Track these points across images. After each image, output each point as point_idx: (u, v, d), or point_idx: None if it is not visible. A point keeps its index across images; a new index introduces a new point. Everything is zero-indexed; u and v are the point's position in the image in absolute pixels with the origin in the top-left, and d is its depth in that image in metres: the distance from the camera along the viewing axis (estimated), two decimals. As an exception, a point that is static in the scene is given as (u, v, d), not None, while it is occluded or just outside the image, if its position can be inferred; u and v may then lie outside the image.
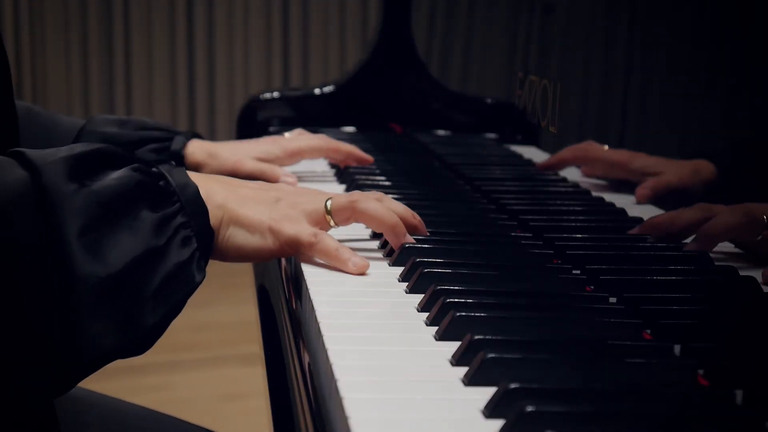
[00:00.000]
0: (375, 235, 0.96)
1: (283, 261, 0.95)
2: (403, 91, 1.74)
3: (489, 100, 1.51)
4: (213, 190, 0.81)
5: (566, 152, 1.16)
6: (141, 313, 0.71)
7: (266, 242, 0.82)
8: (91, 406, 1.03)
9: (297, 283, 0.86)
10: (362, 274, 0.83)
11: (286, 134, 1.33)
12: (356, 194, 0.88)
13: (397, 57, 1.74)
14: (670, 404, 0.55)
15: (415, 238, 0.89)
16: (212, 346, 2.96)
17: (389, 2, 1.75)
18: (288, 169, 1.28)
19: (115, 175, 0.73)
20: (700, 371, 0.60)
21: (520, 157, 1.31)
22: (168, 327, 0.74)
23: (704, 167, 0.90)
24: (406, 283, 0.80)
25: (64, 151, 0.72)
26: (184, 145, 1.22)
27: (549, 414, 0.51)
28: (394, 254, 0.87)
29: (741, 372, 0.59)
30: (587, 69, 1.15)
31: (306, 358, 0.72)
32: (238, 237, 0.82)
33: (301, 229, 0.83)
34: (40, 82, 4.01)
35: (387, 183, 1.20)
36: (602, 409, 0.53)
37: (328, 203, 0.87)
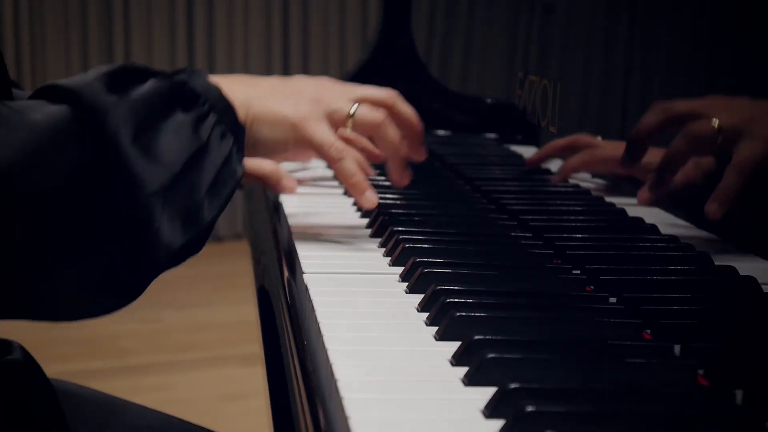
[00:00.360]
0: (375, 234, 0.96)
1: (284, 262, 0.95)
2: (403, 91, 1.74)
3: (489, 100, 1.51)
4: (234, 89, 0.82)
5: (572, 162, 1.15)
6: (200, 209, 0.73)
7: (287, 137, 0.85)
8: (89, 404, 1.03)
9: (297, 284, 0.86)
10: (372, 207, 0.88)
11: None
12: (382, 113, 0.89)
13: (397, 57, 1.74)
14: (670, 404, 0.55)
15: (414, 238, 0.89)
16: (212, 346, 2.96)
17: (389, 2, 1.75)
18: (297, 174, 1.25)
19: (147, 85, 0.75)
20: (700, 371, 0.60)
21: (520, 157, 1.31)
22: (216, 223, 0.76)
23: (702, 157, 0.91)
24: (406, 283, 0.80)
25: (93, 72, 0.74)
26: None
27: (549, 414, 0.51)
28: (394, 254, 0.87)
29: (741, 372, 0.59)
30: (587, 69, 1.15)
31: (305, 358, 0.72)
32: (264, 132, 0.84)
33: (327, 136, 0.85)
34: (40, 82, 4.01)
35: (387, 183, 1.20)
36: (602, 409, 0.53)
37: (355, 109, 0.88)
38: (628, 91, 1.05)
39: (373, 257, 0.90)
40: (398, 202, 1.04)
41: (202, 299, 3.13)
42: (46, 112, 0.69)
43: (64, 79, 0.73)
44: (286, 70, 4.27)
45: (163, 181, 0.70)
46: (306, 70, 4.28)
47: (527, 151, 1.29)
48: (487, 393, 0.56)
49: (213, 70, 4.15)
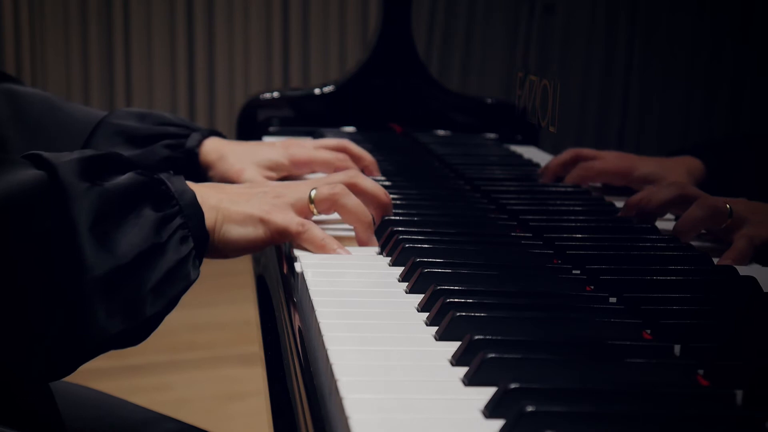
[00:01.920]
0: (375, 234, 0.96)
1: (284, 261, 0.95)
2: (403, 91, 1.74)
3: (489, 100, 1.51)
4: (206, 195, 0.87)
5: (570, 178, 1.15)
6: (142, 304, 0.75)
7: (258, 233, 0.88)
8: (85, 403, 1.03)
9: (297, 283, 0.86)
10: None
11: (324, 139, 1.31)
12: (338, 187, 0.94)
13: (397, 57, 1.74)
14: (670, 404, 0.55)
15: (414, 238, 0.89)
16: (212, 346, 2.95)
17: (389, 2, 1.75)
18: None
19: (122, 178, 0.80)
20: (700, 371, 0.60)
21: (520, 157, 1.31)
22: (162, 321, 0.78)
23: (694, 165, 0.92)
24: (406, 283, 0.80)
25: (77, 153, 0.79)
26: (199, 143, 1.21)
27: (549, 414, 0.51)
28: (394, 254, 0.87)
29: (741, 372, 0.59)
30: (587, 69, 1.15)
31: (306, 358, 0.72)
32: (232, 233, 0.87)
33: (289, 219, 0.89)
34: (40, 82, 4.01)
35: (387, 183, 1.20)
36: (602, 409, 0.53)
37: (312, 193, 0.93)
38: (628, 91, 1.05)
39: (373, 257, 0.90)
40: (398, 202, 1.04)
41: (202, 299, 3.12)
42: (25, 175, 0.74)
43: (50, 153, 0.78)
44: (286, 71, 4.27)
45: (108, 269, 0.74)
46: (306, 70, 4.28)
47: (527, 151, 1.29)
48: (487, 393, 0.56)
49: (213, 70, 4.16)
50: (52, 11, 3.99)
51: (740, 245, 0.85)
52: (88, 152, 0.79)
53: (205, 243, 0.84)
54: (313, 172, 1.25)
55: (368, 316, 0.73)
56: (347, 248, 0.90)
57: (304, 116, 1.73)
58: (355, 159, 1.25)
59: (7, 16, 3.92)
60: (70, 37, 4.03)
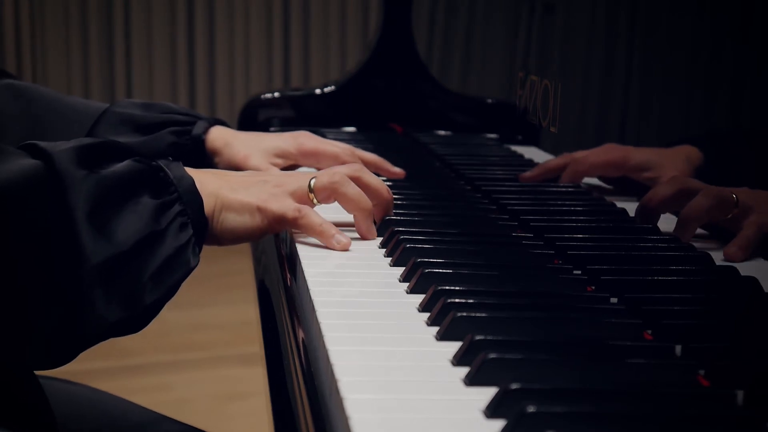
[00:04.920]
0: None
1: (285, 262, 0.95)
2: (404, 91, 1.74)
3: (489, 100, 1.51)
4: (206, 181, 0.86)
5: (565, 177, 1.15)
6: (142, 291, 0.75)
7: (255, 221, 0.88)
8: (79, 400, 1.04)
9: (297, 284, 0.86)
10: (345, 250, 0.89)
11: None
12: (338, 175, 0.93)
13: (397, 57, 1.74)
14: (670, 404, 0.55)
15: (415, 239, 0.89)
16: (212, 346, 2.95)
17: (389, 2, 1.75)
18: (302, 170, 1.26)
19: (120, 165, 0.79)
20: (701, 371, 0.60)
21: (520, 157, 1.32)
22: (162, 308, 0.78)
23: (692, 153, 0.92)
24: (407, 284, 0.80)
25: (74, 142, 0.78)
26: (205, 130, 1.21)
27: (550, 414, 0.51)
28: (395, 254, 0.87)
29: (741, 372, 0.59)
30: (587, 69, 1.15)
31: (306, 358, 0.72)
32: (229, 220, 0.87)
33: (286, 206, 0.89)
34: (40, 82, 4.01)
35: (388, 183, 1.20)
36: (603, 410, 0.53)
37: (312, 182, 0.92)
38: (628, 91, 1.05)
39: (373, 258, 0.90)
40: (399, 202, 1.04)
41: (202, 299, 3.13)
42: (21, 164, 0.74)
43: (46, 142, 0.77)
44: (286, 71, 4.27)
45: (107, 257, 0.73)
46: (306, 70, 4.28)
47: (528, 151, 1.29)
48: (488, 393, 0.56)
49: (213, 70, 4.16)
50: (52, 11, 3.99)
51: (749, 233, 0.84)
52: (85, 140, 0.79)
53: (205, 229, 0.83)
54: (319, 163, 1.25)
55: (369, 316, 0.73)
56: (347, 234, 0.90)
57: (304, 116, 1.73)
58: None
59: (7, 16, 3.92)
60: (70, 37, 4.03)
